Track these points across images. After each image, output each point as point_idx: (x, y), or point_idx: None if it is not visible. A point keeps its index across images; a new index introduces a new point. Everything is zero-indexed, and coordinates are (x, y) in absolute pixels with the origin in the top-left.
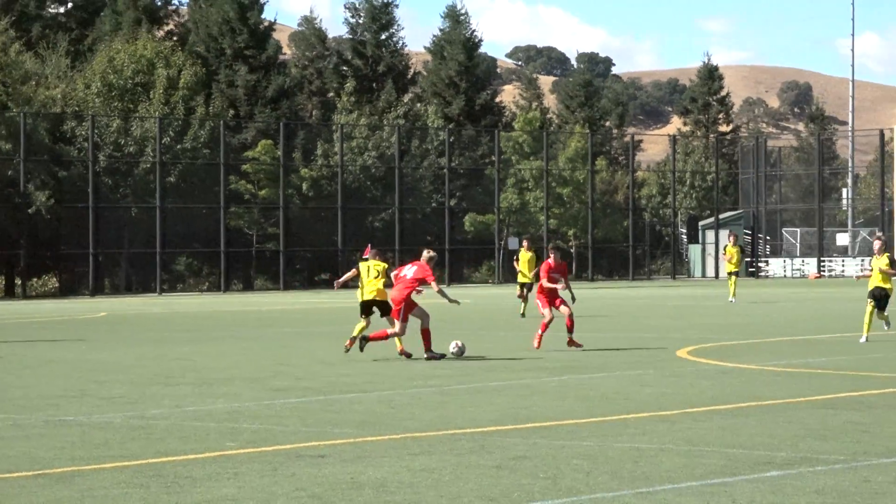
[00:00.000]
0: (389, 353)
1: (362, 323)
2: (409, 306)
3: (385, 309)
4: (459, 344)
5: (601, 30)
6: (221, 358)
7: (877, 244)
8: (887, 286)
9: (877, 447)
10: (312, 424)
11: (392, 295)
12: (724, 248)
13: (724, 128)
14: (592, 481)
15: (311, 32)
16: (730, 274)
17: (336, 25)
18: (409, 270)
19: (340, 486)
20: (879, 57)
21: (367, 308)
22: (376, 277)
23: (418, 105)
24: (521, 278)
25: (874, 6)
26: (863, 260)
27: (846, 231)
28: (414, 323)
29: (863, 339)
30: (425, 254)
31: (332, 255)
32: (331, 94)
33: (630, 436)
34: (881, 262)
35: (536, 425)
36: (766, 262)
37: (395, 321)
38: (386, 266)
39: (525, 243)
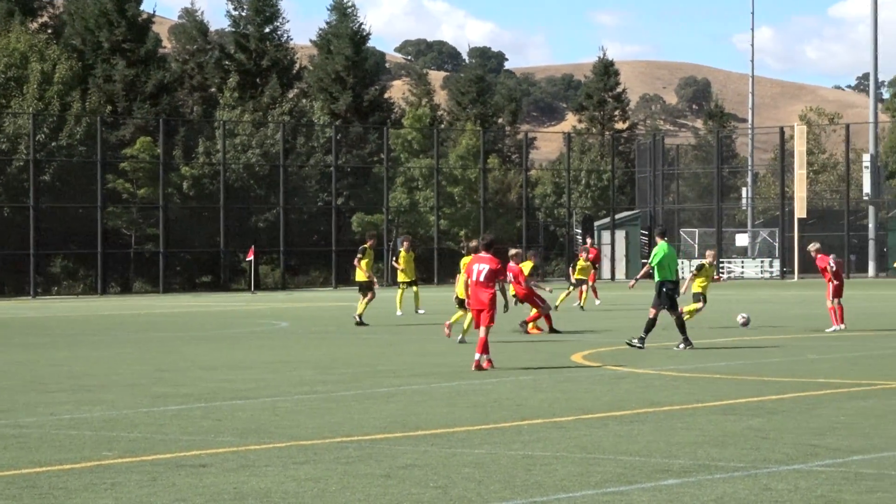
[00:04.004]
0: (276, 356)
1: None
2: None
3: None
4: (746, 316)
5: (490, 23)
6: (98, 364)
7: None
8: None
9: (776, 454)
10: (193, 432)
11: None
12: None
13: (620, 125)
14: (484, 490)
15: (192, 25)
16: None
17: (218, 18)
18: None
19: (223, 497)
20: (776, 52)
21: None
22: None
23: (304, 101)
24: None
25: (769, 0)
26: (762, 261)
27: (746, 231)
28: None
29: None
30: (511, 251)
31: (214, 257)
32: (213, 90)
33: (523, 443)
34: None
35: (426, 432)
36: None
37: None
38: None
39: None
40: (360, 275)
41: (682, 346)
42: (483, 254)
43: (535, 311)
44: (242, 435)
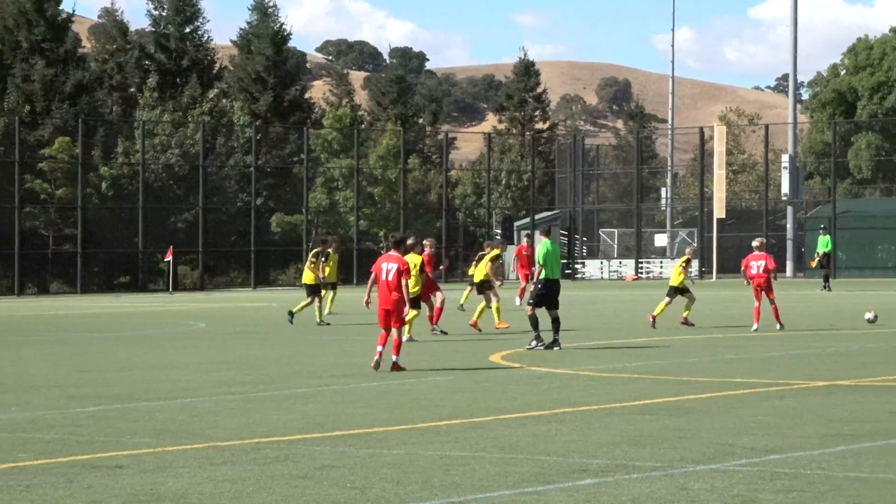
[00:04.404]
0: (193, 358)
1: (413, 313)
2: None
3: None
4: (871, 316)
5: (410, 23)
6: (14, 365)
7: None
8: None
9: (694, 454)
10: (110, 434)
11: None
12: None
13: (540, 125)
14: (402, 491)
15: (112, 25)
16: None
17: (138, 17)
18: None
19: (139, 498)
20: (696, 53)
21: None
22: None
23: (224, 101)
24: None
25: (689, 1)
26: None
27: (665, 232)
28: None
29: None
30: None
31: (133, 257)
32: (132, 90)
33: (441, 443)
34: None
35: (345, 433)
36: (583, 263)
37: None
38: (421, 261)
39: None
40: (312, 277)
41: (534, 343)
42: (392, 252)
43: (483, 307)
44: (159, 436)
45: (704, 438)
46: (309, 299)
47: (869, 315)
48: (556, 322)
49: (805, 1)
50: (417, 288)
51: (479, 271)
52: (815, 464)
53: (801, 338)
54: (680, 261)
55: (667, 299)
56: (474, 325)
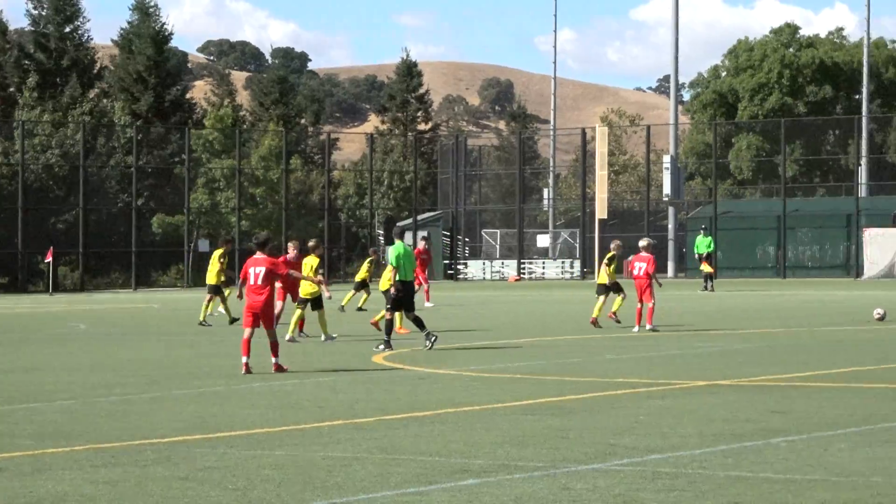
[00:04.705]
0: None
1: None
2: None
3: (316, 304)
4: (881, 312)
5: (292, 23)
6: None
7: None
8: None
9: (576, 453)
10: None
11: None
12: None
13: (423, 126)
14: (284, 492)
15: None
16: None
17: (18, 17)
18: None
19: (18, 501)
20: (578, 54)
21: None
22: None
23: (105, 101)
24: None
25: (571, 2)
26: (563, 262)
27: (547, 232)
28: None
29: None
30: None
31: (12, 258)
32: (12, 89)
33: (323, 444)
34: None
35: (226, 434)
36: (465, 264)
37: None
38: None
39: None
40: (217, 277)
41: (382, 346)
42: (258, 255)
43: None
44: (39, 438)
45: (586, 438)
46: (220, 298)
47: (879, 311)
48: (417, 321)
49: (686, 2)
50: (316, 288)
51: (383, 280)
52: (696, 463)
53: (682, 337)
54: (605, 259)
55: (601, 298)
56: (375, 325)
